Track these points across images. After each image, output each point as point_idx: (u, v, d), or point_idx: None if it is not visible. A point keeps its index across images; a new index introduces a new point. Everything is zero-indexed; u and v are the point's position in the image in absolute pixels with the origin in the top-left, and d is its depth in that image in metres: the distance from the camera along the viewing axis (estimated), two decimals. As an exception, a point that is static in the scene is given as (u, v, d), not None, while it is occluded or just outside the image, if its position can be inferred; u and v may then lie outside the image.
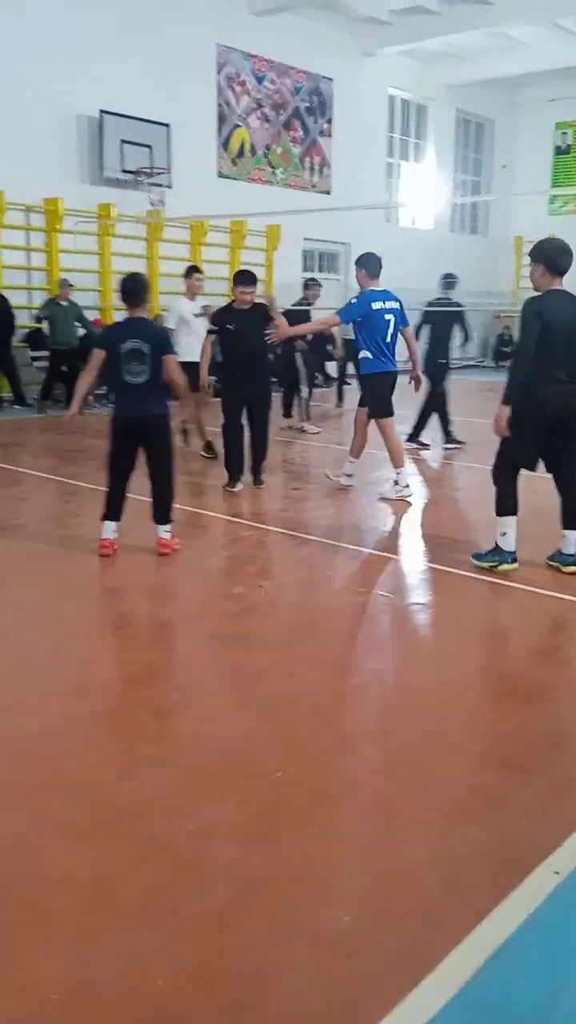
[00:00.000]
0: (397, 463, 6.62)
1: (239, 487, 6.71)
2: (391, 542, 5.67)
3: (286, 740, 2.96)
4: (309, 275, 13.80)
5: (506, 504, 4.65)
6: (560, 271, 4.51)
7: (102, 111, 11.85)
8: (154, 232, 12.95)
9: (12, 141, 11.07)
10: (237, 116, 14.48)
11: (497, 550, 4.68)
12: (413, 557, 5.31)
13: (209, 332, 7.14)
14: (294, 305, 10.45)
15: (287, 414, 10.17)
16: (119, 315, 12.38)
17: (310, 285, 10.65)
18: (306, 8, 14.33)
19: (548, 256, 4.48)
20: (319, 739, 2.99)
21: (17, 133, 11.12)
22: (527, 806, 2.59)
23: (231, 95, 14.32)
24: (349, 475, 6.97)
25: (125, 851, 2.34)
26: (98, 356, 4.93)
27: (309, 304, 10.35)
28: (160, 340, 4.95)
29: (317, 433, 9.80)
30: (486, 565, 4.70)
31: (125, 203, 12.30)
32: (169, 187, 12.69)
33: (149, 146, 12.35)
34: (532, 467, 4.64)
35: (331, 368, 15.20)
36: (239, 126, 14.53)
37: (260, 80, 14.78)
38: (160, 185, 12.59)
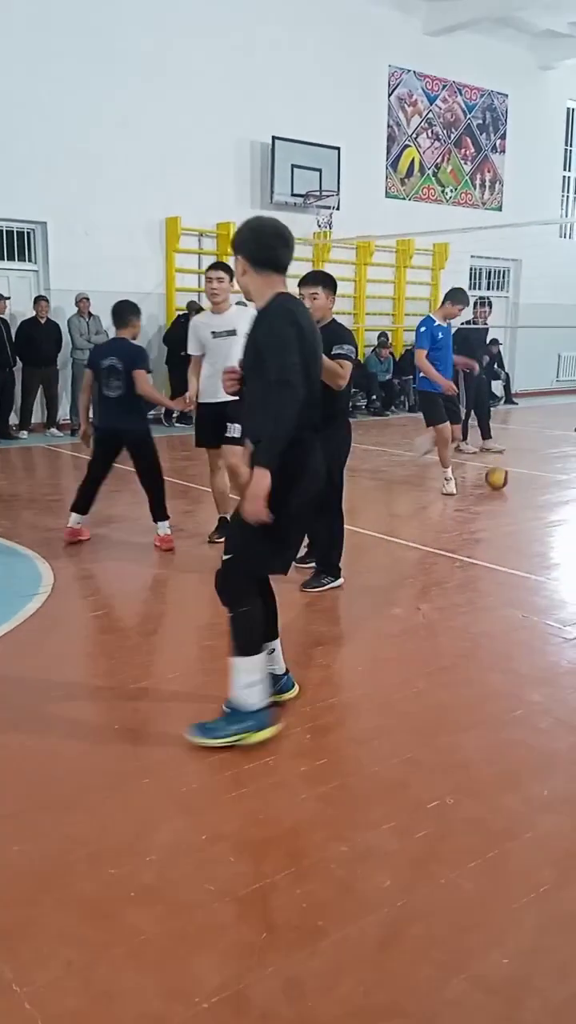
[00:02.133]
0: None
1: None
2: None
3: (445, 769, 2.88)
4: (478, 294, 13.52)
5: None
6: None
7: (274, 137, 12.18)
8: (320, 253, 13.14)
9: (187, 169, 11.59)
10: (407, 136, 14.49)
11: None
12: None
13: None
14: (464, 324, 10.31)
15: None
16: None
17: (481, 304, 10.44)
18: (481, 24, 14.19)
19: None
20: (480, 771, 2.88)
21: (192, 161, 11.64)
22: None
23: (402, 115, 14.36)
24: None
25: (282, 869, 2.34)
26: (87, 375, 5.55)
27: (477, 324, 10.17)
28: (132, 357, 5.33)
29: (500, 451, 9.68)
30: None
31: (293, 225, 12.42)
32: (337, 209, 12.85)
33: (319, 169, 12.57)
34: None
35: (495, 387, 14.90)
36: (409, 146, 14.54)
37: (432, 99, 14.74)
38: (328, 208, 12.78)
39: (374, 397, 13.37)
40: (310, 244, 12.96)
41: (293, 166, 12.32)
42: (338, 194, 12.86)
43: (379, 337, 13.62)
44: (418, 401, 7.69)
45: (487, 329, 10.28)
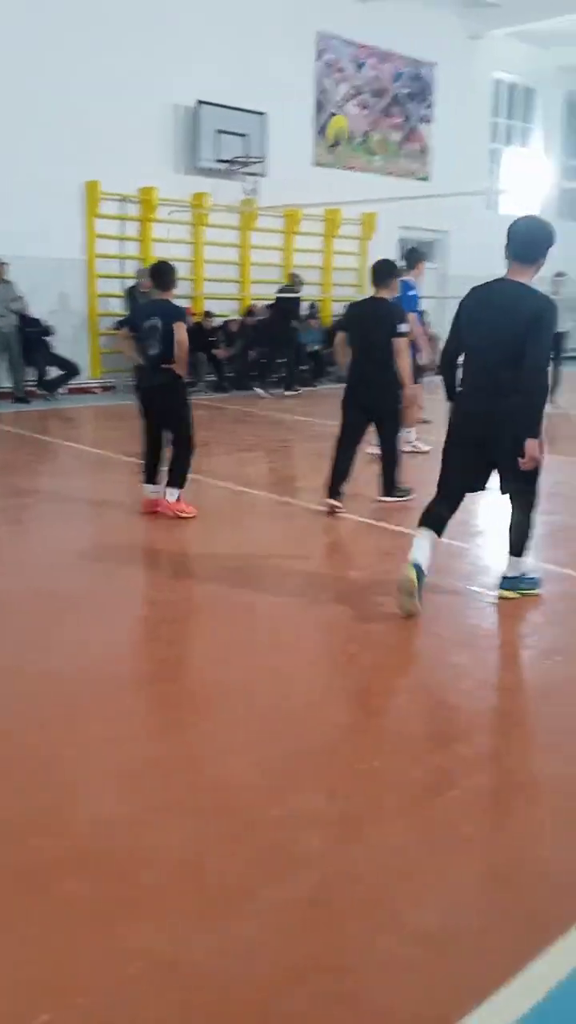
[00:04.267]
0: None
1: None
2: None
3: (378, 732, 2.92)
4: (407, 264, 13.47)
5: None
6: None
7: (199, 101, 11.94)
8: (247, 221, 13.00)
9: (109, 132, 11.28)
10: (335, 104, 14.38)
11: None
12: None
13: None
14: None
15: None
16: (211, 304, 12.57)
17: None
18: (409, -8, 14.12)
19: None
20: (408, 733, 2.94)
21: (114, 124, 11.33)
22: (626, 812, 2.49)
23: (329, 83, 14.23)
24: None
25: (216, 834, 2.35)
26: (123, 334, 5.83)
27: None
28: (171, 313, 5.42)
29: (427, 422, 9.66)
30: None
31: (219, 192, 12.39)
32: (263, 176, 12.70)
33: (245, 135, 12.39)
34: None
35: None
36: (336, 114, 14.43)
37: (360, 67, 14.64)
38: (255, 174, 12.62)
39: (303, 367, 13.36)
40: (236, 212, 12.80)
41: (219, 131, 12.12)
42: (265, 161, 12.71)
43: (308, 307, 13.59)
44: None
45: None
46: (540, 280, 10.61)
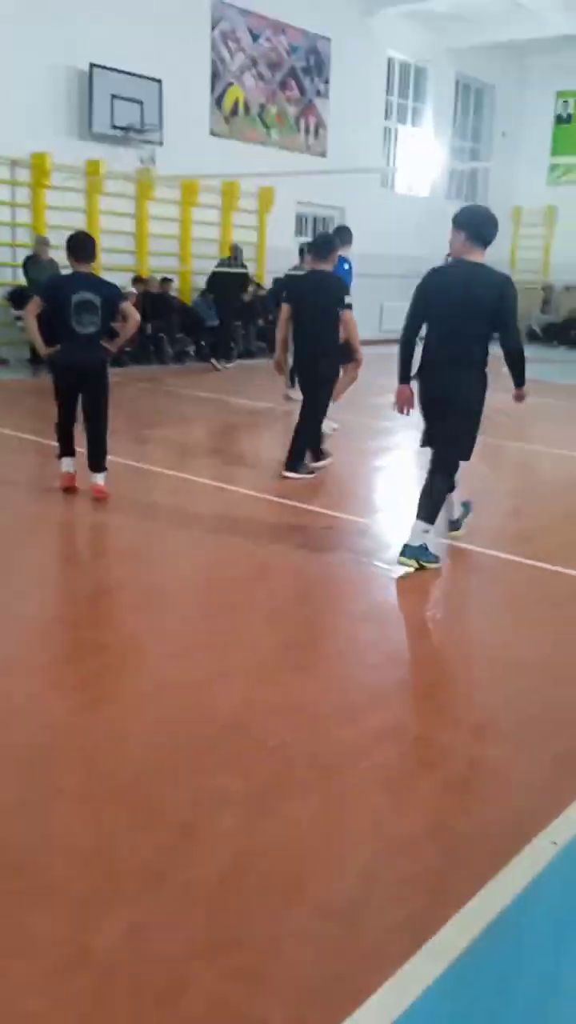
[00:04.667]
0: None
1: None
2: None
3: (283, 709, 2.94)
4: (303, 240, 13.48)
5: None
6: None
7: (92, 64, 11.54)
8: (144, 191, 12.70)
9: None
10: (231, 74, 14.16)
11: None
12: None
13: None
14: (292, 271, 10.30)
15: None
16: (106, 276, 12.21)
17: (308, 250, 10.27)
18: (304, -37, 13.97)
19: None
20: (317, 708, 2.97)
21: (3, 85, 10.82)
22: (527, 779, 2.59)
23: (225, 52, 13.99)
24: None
25: (123, 819, 2.32)
26: (35, 304, 5.35)
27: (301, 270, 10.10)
28: (112, 292, 5.36)
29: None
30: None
31: (114, 160, 12.04)
32: (160, 144, 12.41)
33: (140, 102, 12.05)
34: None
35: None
36: (233, 84, 14.21)
37: (256, 38, 14.44)
38: (151, 142, 12.32)
39: (202, 344, 13.21)
40: (132, 181, 12.48)
41: (113, 96, 11.72)
42: (161, 129, 12.41)
43: (206, 281, 13.40)
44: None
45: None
46: (432, 260, 10.87)
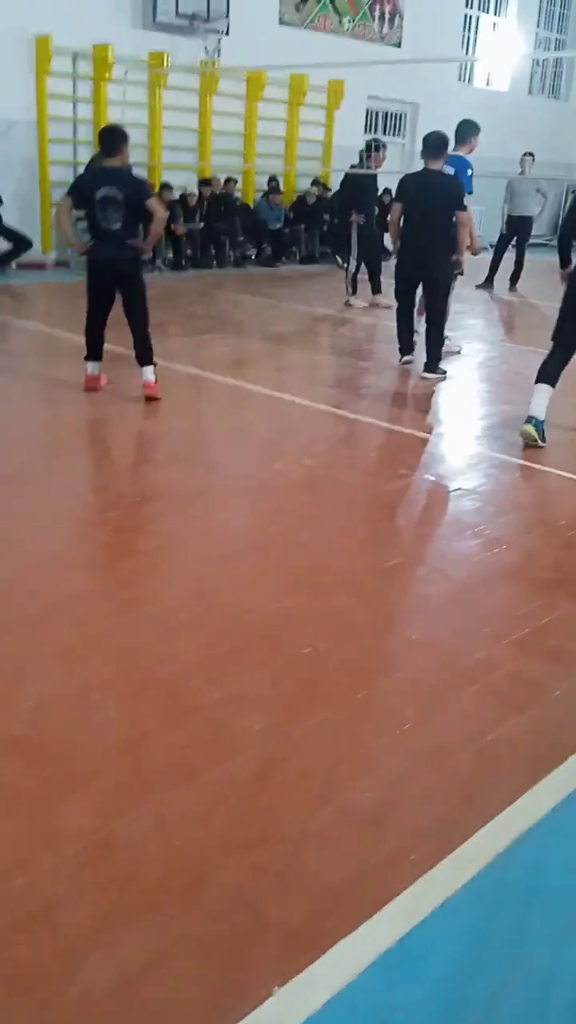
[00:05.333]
0: None
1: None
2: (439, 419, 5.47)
3: (322, 617, 2.90)
4: (372, 137, 12.79)
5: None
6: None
7: (157, -53, 10.97)
8: (208, 84, 12.20)
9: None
10: (302, -45, 13.33)
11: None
12: (462, 439, 5.12)
13: None
14: (353, 169, 9.86)
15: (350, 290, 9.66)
16: (168, 174, 11.91)
17: (375, 148, 9.78)
18: None
19: None
20: (357, 617, 2.93)
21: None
22: (567, 696, 2.52)
23: None
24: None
25: (156, 715, 2.34)
26: (65, 203, 5.25)
27: (370, 170, 9.64)
28: (137, 188, 5.17)
29: (366, 307, 9.39)
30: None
31: (178, 51, 11.54)
32: (226, 34, 11.85)
33: (207, -13, 11.46)
34: None
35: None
36: (304, -34, 13.39)
37: None
38: (216, 32, 11.76)
39: (264, 247, 12.86)
40: (196, 73, 11.99)
41: (178, -19, 11.18)
42: (227, 17, 11.81)
43: (269, 182, 12.94)
44: None
45: (375, 176, 9.80)
46: (510, 161, 10.38)
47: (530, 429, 4.70)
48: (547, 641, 2.82)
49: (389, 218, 6.69)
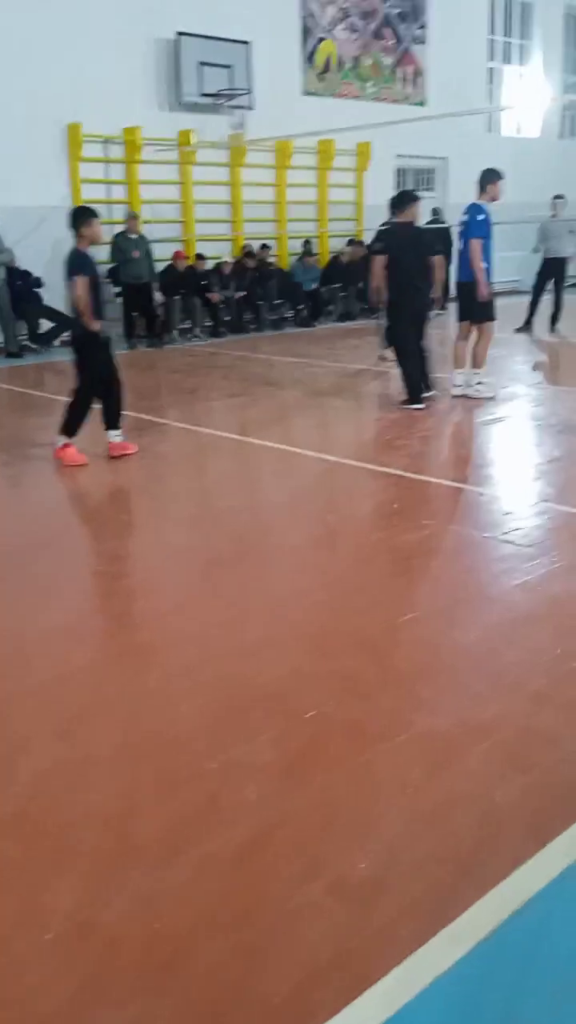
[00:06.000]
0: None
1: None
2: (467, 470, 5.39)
3: (329, 677, 2.84)
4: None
5: None
6: None
7: (179, 32, 11.48)
8: (236, 157, 12.59)
9: (88, 71, 10.88)
10: (322, 28, 13.79)
11: None
12: (503, 490, 5.02)
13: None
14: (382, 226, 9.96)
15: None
16: (203, 246, 12.26)
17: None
18: None
19: None
20: (364, 676, 2.85)
21: (93, 62, 10.92)
22: (580, 750, 2.39)
23: (315, 6, 13.63)
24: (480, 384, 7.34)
25: (148, 786, 2.29)
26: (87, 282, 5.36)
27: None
28: (70, 263, 5.34)
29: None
30: None
31: (205, 129, 11.97)
32: (251, 109, 12.26)
33: (229, 67, 11.92)
34: None
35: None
36: (324, 39, 13.85)
37: (347, -13, 13.99)
38: (241, 107, 12.18)
39: (300, 307, 13.06)
40: (224, 148, 12.39)
41: (201, 63, 11.64)
42: (251, 92, 12.24)
43: (303, 244, 13.21)
44: (472, 296, 7.07)
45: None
46: (538, 205, 10.36)
47: None
48: (568, 693, 2.70)
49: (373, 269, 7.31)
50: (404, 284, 6.84)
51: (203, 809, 2.19)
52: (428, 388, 7.15)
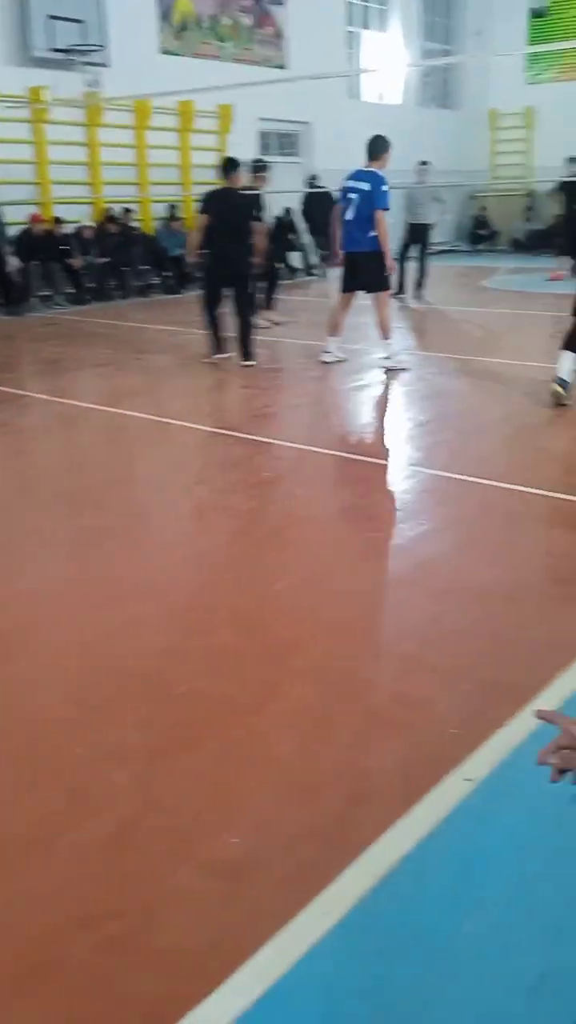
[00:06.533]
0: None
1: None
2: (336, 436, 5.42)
3: (201, 654, 2.79)
4: (264, 159, 12.79)
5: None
6: None
7: (25, -18, 10.87)
8: (93, 116, 12.10)
9: None
10: (178, -16, 13.37)
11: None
12: (375, 456, 5.07)
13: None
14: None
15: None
16: (61, 209, 11.74)
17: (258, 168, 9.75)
18: None
19: None
20: (236, 650, 2.81)
21: None
22: (448, 712, 2.43)
23: (170, -40, 13.19)
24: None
25: (9, 782, 2.18)
26: None
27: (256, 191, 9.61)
28: None
29: (268, 327, 9.35)
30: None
31: (59, 86, 11.43)
32: (106, 66, 11.78)
33: (81, 21, 11.38)
34: None
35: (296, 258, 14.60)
36: (180, -5, 13.44)
37: None
38: (96, 64, 11.68)
39: (167, 273, 12.76)
40: (80, 106, 11.88)
41: (50, 16, 11.06)
42: (106, 49, 11.75)
43: (169, 209, 12.88)
44: (370, 267, 6.88)
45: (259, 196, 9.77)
46: (400, 172, 10.46)
47: (556, 387, 5.43)
48: (435, 655, 2.75)
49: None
50: (221, 247, 7.05)
51: (69, 799, 2.11)
52: (222, 351, 7.43)
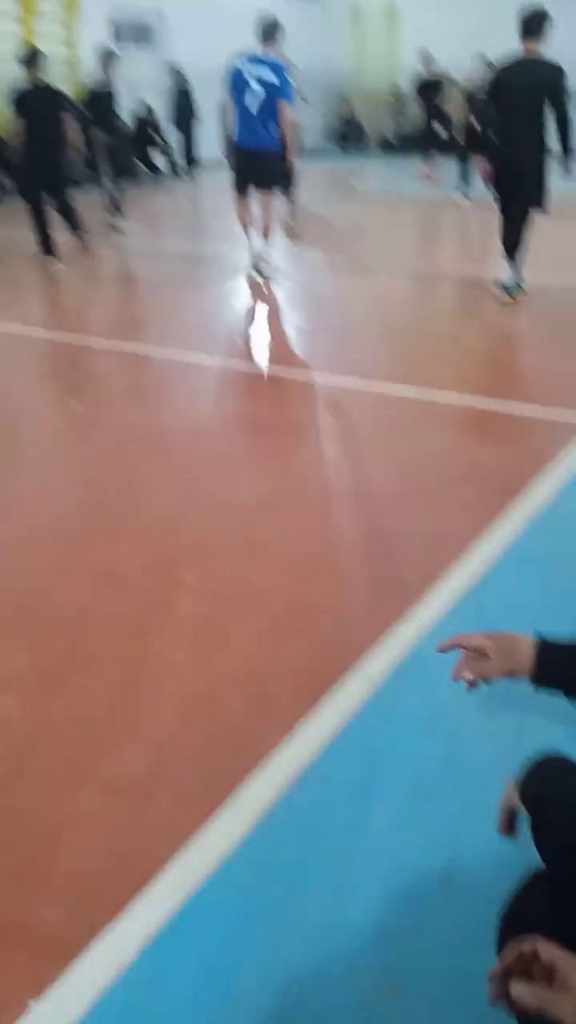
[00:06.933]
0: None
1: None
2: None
3: (89, 573, 2.66)
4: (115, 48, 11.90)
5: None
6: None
7: None
8: None
9: None
10: None
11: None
12: (248, 362, 4.92)
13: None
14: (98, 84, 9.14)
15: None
16: None
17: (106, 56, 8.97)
18: None
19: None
20: (125, 568, 2.70)
21: None
22: (347, 612, 2.42)
23: None
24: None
25: None
26: None
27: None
28: None
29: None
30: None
31: None
32: None
33: None
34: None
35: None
36: None
37: None
38: None
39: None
40: None
41: None
42: None
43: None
44: (270, 165, 6.32)
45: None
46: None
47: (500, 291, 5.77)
48: (331, 558, 2.72)
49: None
50: (35, 143, 6.82)
51: (-45, 733, 1.99)
52: (52, 253, 7.26)
